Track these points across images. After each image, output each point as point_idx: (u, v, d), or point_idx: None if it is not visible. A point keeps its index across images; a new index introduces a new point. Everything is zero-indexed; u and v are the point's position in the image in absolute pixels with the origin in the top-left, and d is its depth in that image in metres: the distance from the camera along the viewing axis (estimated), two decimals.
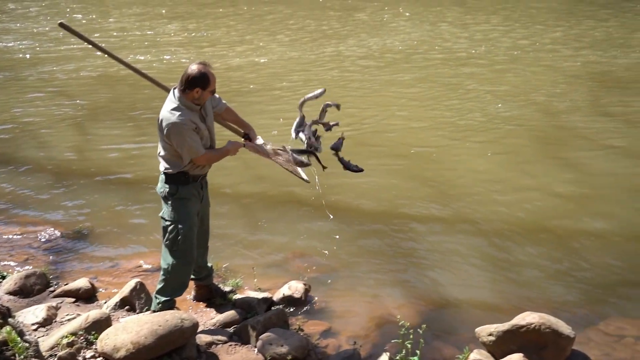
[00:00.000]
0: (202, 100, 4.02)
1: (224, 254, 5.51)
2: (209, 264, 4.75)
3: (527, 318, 4.06)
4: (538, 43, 14.01)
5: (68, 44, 14.58)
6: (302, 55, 13.28)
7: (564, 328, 4.02)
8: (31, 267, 5.26)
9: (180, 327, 3.85)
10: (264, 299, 4.75)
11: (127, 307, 4.60)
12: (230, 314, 4.54)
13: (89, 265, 5.46)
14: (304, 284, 4.93)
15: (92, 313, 4.15)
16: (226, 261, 5.41)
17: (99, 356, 3.81)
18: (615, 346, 4.36)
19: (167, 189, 4.14)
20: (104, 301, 4.76)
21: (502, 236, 5.85)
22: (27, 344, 3.39)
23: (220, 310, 4.66)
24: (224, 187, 6.82)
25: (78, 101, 10.28)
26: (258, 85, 10.93)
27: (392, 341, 4.18)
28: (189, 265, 4.31)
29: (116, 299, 4.64)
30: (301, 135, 4.50)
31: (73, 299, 4.81)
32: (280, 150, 4.49)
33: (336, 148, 4.58)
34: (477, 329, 4.16)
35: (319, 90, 4.53)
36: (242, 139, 4.46)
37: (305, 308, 4.77)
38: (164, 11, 19.36)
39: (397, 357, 3.88)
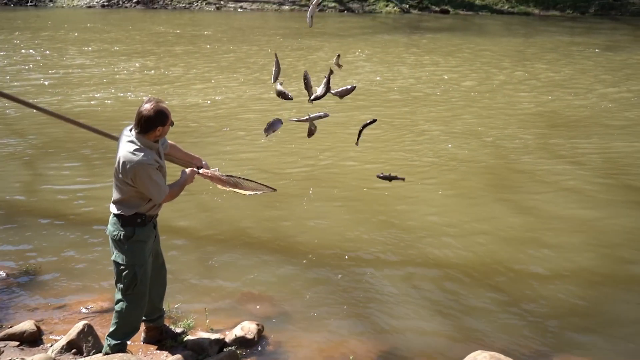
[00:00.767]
0: (163, 135, 4.04)
1: (176, 295, 5.40)
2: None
3: (479, 357, 4.10)
4: (495, 85, 14.39)
5: (21, 79, 14.40)
6: (261, 93, 13.35)
7: None
8: None
9: None
10: (216, 340, 4.67)
11: (74, 351, 4.46)
12: (181, 356, 4.44)
13: (35, 307, 5.29)
14: (257, 325, 4.87)
15: (36, 357, 4.03)
16: (178, 302, 5.31)
17: None
18: None
19: (123, 232, 4.05)
20: (49, 345, 4.61)
21: (454, 276, 5.89)
22: None
23: (171, 352, 4.55)
24: (176, 228, 6.75)
25: (29, 137, 10.11)
26: (215, 124, 10.92)
27: None
28: (142, 309, 4.23)
29: (62, 342, 4.50)
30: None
31: (17, 343, 4.65)
32: (234, 177, 4.51)
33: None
34: None
35: (322, 113, 4.77)
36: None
37: (258, 349, 4.71)
38: (122, 48, 19.29)
39: None
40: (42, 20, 28.43)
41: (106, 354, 4.16)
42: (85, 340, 4.48)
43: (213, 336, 4.72)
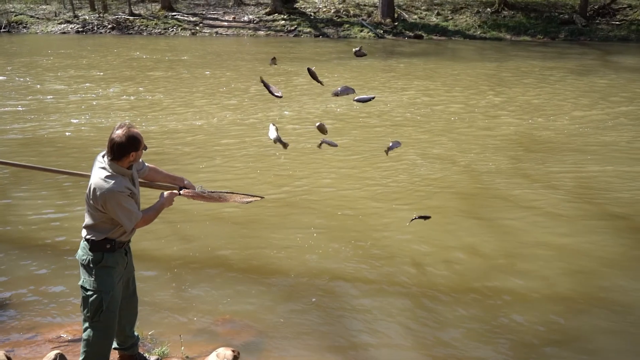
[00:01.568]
0: (137, 160, 4.02)
1: (149, 321, 5.35)
2: (135, 333, 4.61)
3: None
4: (473, 108, 14.55)
5: None
6: (242, 118, 13.36)
7: None
8: None
9: None
10: None
11: None
12: None
13: (6, 336, 5.19)
14: (233, 351, 4.82)
15: None
16: (152, 328, 5.25)
17: None
18: None
19: (91, 257, 4.01)
20: None
21: (430, 298, 5.92)
22: None
23: None
24: (149, 252, 6.70)
25: None
26: (191, 149, 10.89)
27: None
28: (110, 338, 4.16)
29: None
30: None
31: None
32: (217, 192, 4.55)
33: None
34: None
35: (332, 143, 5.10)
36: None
37: None
38: (99, 74, 19.21)
39: None
40: (17, 46, 28.27)
41: None
42: None
43: None
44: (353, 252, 6.89)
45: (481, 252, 6.96)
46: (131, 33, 32.90)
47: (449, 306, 5.80)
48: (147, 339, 5.11)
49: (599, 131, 12.37)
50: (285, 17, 34.26)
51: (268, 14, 35.08)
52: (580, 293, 6.09)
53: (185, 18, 35.38)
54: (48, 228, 7.52)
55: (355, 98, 4.62)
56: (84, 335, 4.12)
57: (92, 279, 4.03)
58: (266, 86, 4.61)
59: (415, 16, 33.98)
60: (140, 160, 4.32)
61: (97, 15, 36.44)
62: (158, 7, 37.04)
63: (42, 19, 36.91)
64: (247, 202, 4.83)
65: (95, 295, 4.02)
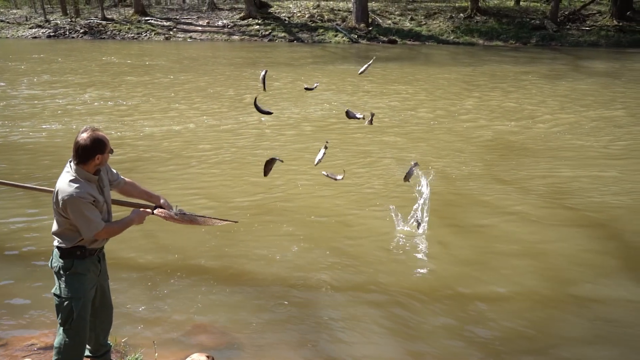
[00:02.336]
0: (103, 164, 3.96)
1: (123, 328, 5.30)
2: (109, 341, 4.58)
3: None
4: (449, 113, 14.69)
5: None
6: (220, 124, 13.32)
7: None
8: None
9: None
10: None
11: None
12: None
13: None
14: (207, 356, 4.81)
15: None
16: (126, 335, 5.20)
17: None
18: None
19: (62, 264, 3.98)
20: None
21: (403, 300, 5.96)
22: None
23: None
24: (123, 259, 6.64)
25: None
26: (166, 155, 10.83)
27: None
28: (82, 345, 4.12)
29: None
30: None
31: None
32: (192, 214, 4.47)
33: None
34: None
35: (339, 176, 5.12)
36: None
37: None
38: (75, 79, 19.00)
39: None
40: None
41: None
42: None
43: None
44: (328, 257, 6.90)
45: (454, 255, 7.02)
46: (104, 38, 32.65)
47: (422, 309, 5.83)
48: (120, 345, 5.06)
49: (576, 135, 12.55)
50: (259, 21, 34.26)
51: (242, 18, 35.04)
52: (552, 294, 6.17)
53: (159, 23, 35.20)
54: (20, 235, 7.43)
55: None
56: (56, 342, 4.09)
57: (63, 285, 4.01)
58: (257, 108, 4.80)
59: (389, 21, 34.21)
60: (115, 172, 4.30)
61: (69, 19, 36.10)
62: (131, 11, 36.81)
63: (13, 23, 36.48)
64: (220, 224, 4.78)
65: (66, 302, 4.00)
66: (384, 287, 6.23)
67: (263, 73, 4.92)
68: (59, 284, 4.03)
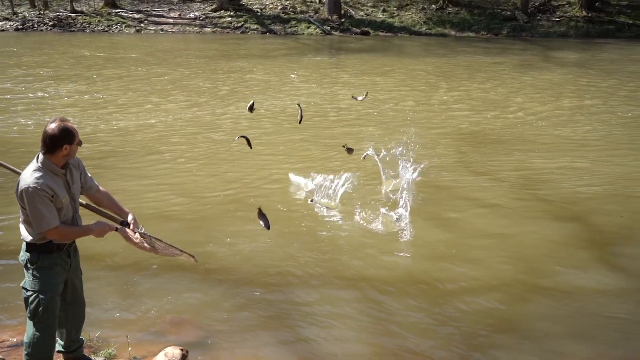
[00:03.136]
0: (71, 155, 3.91)
1: (96, 323, 5.26)
2: (81, 336, 4.55)
3: None
4: (430, 104, 14.76)
5: None
6: (196, 117, 13.20)
7: None
8: None
9: None
10: None
11: None
12: None
13: None
14: (181, 350, 4.80)
15: None
16: (98, 330, 5.17)
17: None
18: None
19: (28, 257, 3.94)
20: None
21: (379, 292, 6.00)
22: None
23: None
24: (97, 254, 6.57)
25: None
26: (140, 149, 10.72)
27: None
28: (51, 339, 4.09)
29: None
30: None
31: None
32: (156, 239, 4.36)
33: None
34: None
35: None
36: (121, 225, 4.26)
37: None
38: (47, 73, 18.65)
39: None
40: None
41: None
42: None
43: None
44: (303, 251, 6.92)
45: (428, 246, 7.09)
46: (73, 30, 32.14)
47: (395, 297, 5.90)
48: (93, 341, 5.03)
49: (550, 126, 12.69)
50: (231, 13, 34.03)
51: (214, 10, 34.76)
52: (522, 281, 6.28)
53: (130, 15, 34.78)
54: None
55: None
56: (25, 337, 4.07)
57: (30, 279, 3.98)
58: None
59: (362, 13, 34.23)
60: (90, 177, 4.26)
61: (38, 12, 35.49)
62: (101, 3, 36.28)
63: None
64: (177, 255, 4.58)
65: (33, 296, 3.97)
66: (359, 279, 6.27)
67: (250, 103, 4.98)
68: (27, 278, 4.01)
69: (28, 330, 4.05)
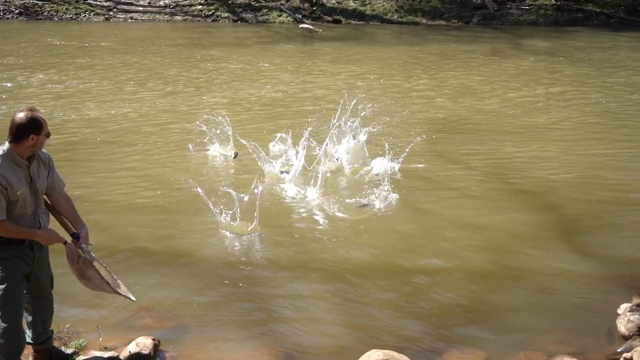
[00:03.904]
0: (38, 147, 3.84)
1: (66, 314, 5.22)
2: (51, 328, 4.50)
3: (373, 356, 4.24)
4: (405, 92, 14.79)
5: None
6: (171, 105, 13.05)
7: None
8: None
9: None
10: (110, 358, 4.57)
11: None
12: None
13: None
14: (153, 339, 4.78)
15: None
16: (69, 321, 5.13)
17: None
18: None
19: None
20: None
21: (348, 278, 6.04)
22: None
23: None
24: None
25: None
26: (114, 137, 10.58)
27: None
28: (15, 332, 4.02)
29: None
30: None
31: None
32: (103, 268, 4.25)
33: None
34: None
35: None
36: (70, 237, 4.16)
37: None
38: (18, 62, 18.25)
39: None
40: None
41: None
42: None
43: (106, 354, 4.60)
44: (272, 236, 6.93)
45: (398, 231, 7.15)
46: (40, 19, 31.50)
47: (366, 286, 5.93)
48: (63, 332, 4.99)
49: (525, 113, 12.76)
50: (202, 2, 33.66)
51: None
52: (492, 267, 6.36)
53: (98, 3, 34.21)
54: None
55: None
56: None
57: None
58: None
59: (334, 1, 34.10)
60: (62, 180, 4.19)
61: (3, 0, 34.77)
62: None
63: None
64: (114, 293, 4.37)
65: None
66: (327, 264, 6.31)
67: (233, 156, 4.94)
68: None
69: None
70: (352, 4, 33.49)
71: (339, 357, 4.73)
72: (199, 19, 31.78)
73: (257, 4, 33.43)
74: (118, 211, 7.53)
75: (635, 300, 5.58)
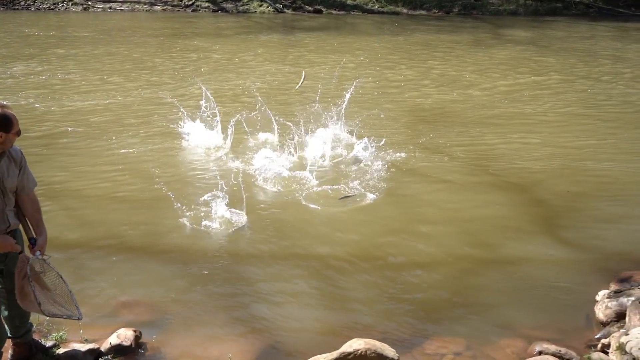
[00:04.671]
0: (7, 145, 3.78)
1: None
2: (30, 321, 4.46)
3: (354, 345, 4.26)
4: (388, 83, 14.75)
5: None
6: (156, 96, 12.91)
7: (389, 351, 4.29)
8: None
9: None
10: (90, 350, 4.55)
11: None
12: None
13: None
14: (134, 331, 4.78)
15: None
16: None
17: None
18: None
19: None
20: None
21: (330, 268, 6.07)
22: None
23: None
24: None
25: None
26: (94, 129, 10.47)
27: None
28: None
29: None
30: None
31: None
32: (61, 280, 4.13)
33: None
34: None
35: None
36: (28, 243, 4.06)
37: (136, 356, 4.62)
38: (2, 52, 18.01)
39: None
40: None
41: None
42: None
43: (87, 347, 4.58)
44: (254, 228, 6.92)
45: (379, 219, 7.18)
46: (17, 8, 31.06)
47: (348, 273, 5.97)
48: (43, 325, 4.96)
49: (507, 102, 12.80)
50: None
51: None
52: (475, 257, 6.41)
53: None
54: None
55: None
56: None
57: None
58: None
59: None
60: (34, 181, 4.11)
61: None
62: None
63: None
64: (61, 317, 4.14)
65: None
66: (310, 256, 6.32)
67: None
68: None
69: None
70: None
71: (321, 346, 4.73)
72: (179, 9, 31.52)
73: None
74: (99, 205, 7.47)
75: (613, 287, 5.65)
